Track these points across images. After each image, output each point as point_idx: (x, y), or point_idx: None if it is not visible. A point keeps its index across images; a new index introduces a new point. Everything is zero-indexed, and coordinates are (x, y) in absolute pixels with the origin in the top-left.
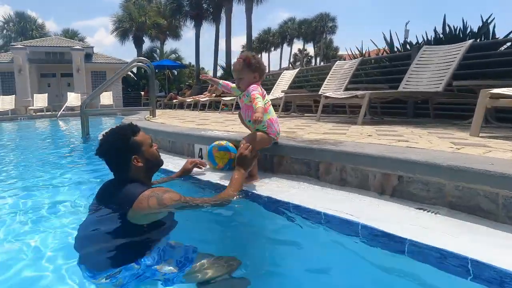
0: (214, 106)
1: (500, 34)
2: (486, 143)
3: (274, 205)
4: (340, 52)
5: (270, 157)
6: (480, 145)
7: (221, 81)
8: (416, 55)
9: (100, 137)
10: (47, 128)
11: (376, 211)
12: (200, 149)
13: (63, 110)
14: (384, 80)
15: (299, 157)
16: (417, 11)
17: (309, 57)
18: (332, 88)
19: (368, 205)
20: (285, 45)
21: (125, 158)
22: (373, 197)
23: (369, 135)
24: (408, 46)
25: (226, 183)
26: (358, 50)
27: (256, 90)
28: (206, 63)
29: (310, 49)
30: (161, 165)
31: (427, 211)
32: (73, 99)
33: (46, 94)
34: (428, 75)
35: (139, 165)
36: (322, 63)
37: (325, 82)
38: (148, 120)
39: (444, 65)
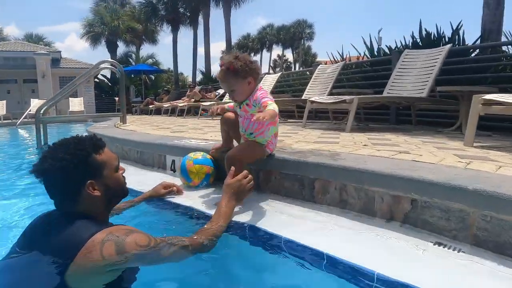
0: (193, 111)
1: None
2: (487, 156)
3: (261, 239)
4: (318, 58)
5: (256, 172)
6: (485, 159)
7: (226, 106)
8: (397, 59)
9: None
10: None
11: (389, 247)
12: (173, 161)
13: (25, 118)
14: (366, 85)
15: (290, 172)
16: (392, 17)
17: (289, 63)
18: (316, 92)
19: (381, 241)
20: (264, 51)
21: (76, 182)
22: (380, 227)
23: (365, 145)
24: (387, 50)
25: (209, 210)
26: (340, 55)
27: (266, 97)
28: (185, 69)
29: (289, 55)
30: (126, 196)
31: (448, 248)
32: (37, 106)
33: (5, 101)
34: (411, 80)
35: (95, 194)
36: (301, 69)
37: (308, 87)
38: (117, 127)
39: (427, 70)
